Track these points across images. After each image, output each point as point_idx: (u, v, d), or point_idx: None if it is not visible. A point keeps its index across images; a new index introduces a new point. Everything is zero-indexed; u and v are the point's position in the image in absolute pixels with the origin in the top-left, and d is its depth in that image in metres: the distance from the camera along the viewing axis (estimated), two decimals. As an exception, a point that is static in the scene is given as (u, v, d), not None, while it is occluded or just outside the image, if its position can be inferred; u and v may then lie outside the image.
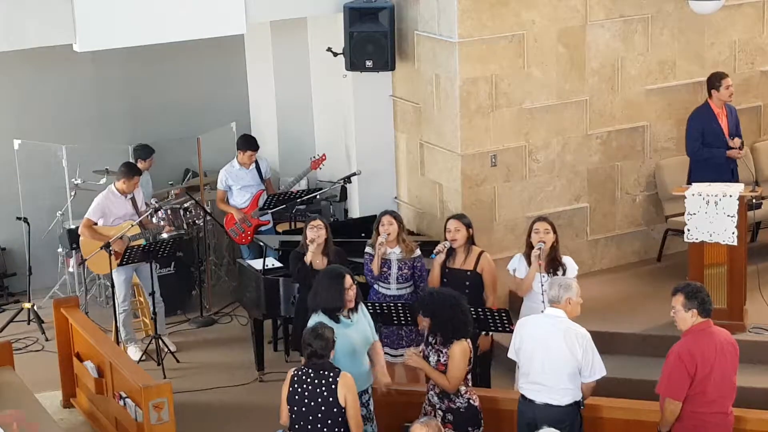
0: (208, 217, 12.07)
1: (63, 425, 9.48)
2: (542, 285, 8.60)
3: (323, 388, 7.19)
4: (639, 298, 10.56)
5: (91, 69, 12.56)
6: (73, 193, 12.01)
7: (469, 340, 7.65)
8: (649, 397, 7.85)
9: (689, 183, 10.26)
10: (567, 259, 8.89)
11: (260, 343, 10.48)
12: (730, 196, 9.39)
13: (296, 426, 7.30)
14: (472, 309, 8.00)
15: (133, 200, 10.89)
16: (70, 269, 12.09)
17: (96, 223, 10.75)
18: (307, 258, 9.17)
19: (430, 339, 7.73)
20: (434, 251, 9.00)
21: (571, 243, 10.95)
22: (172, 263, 11.75)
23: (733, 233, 9.37)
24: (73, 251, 11.77)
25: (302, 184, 12.19)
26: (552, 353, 7.47)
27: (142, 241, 10.74)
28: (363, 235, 10.82)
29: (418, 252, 9.34)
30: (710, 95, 10.74)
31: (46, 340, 11.31)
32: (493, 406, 8.09)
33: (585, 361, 7.46)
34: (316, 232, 9.19)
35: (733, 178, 10.53)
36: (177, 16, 10.50)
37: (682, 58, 11.25)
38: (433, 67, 10.75)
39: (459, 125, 10.51)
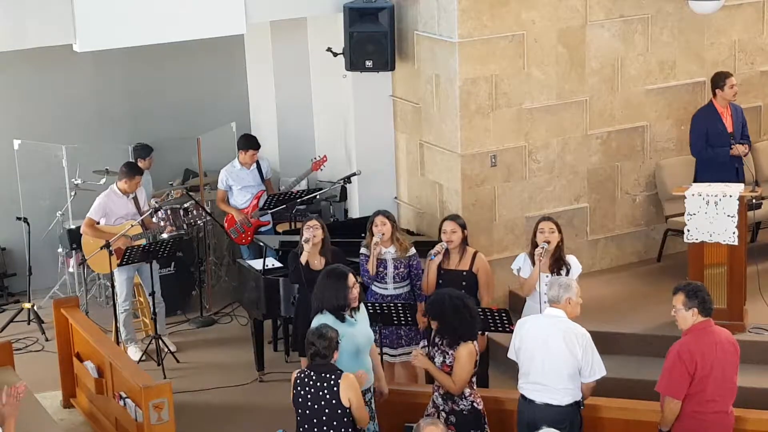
0: (208, 218, 12.07)
1: (63, 425, 9.49)
2: (545, 285, 8.61)
3: (325, 391, 7.18)
4: (639, 298, 10.56)
5: (91, 69, 12.56)
6: (73, 193, 12.01)
7: (476, 342, 7.65)
8: (649, 397, 7.85)
9: (696, 182, 10.28)
10: (571, 258, 8.89)
11: (260, 343, 10.48)
12: (730, 196, 9.38)
13: (302, 428, 7.30)
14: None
15: (136, 200, 10.90)
16: (70, 269, 12.08)
17: (98, 223, 10.76)
18: (303, 258, 9.16)
19: (437, 340, 7.72)
20: (432, 253, 8.98)
21: (571, 243, 10.93)
22: (172, 263, 11.75)
23: (734, 233, 9.37)
24: (73, 251, 11.77)
25: (302, 185, 12.19)
26: (552, 353, 7.47)
27: (143, 241, 10.75)
28: (363, 235, 10.82)
29: (413, 250, 9.34)
30: (714, 95, 10.75)
31: (46, 340, 11.31)
32: (494, 406, 8.09)
33: (585, 361, 7.46)
34: (312, 232, 9.19)
35: (738, 177, 10.51)
36: (177, 16, 10.50)
37: (682, 58, 11.25)
38: (433, 67, 10.75)
39: (459, 125, 10.51)
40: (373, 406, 7.93)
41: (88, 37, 10.30)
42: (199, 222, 12.00)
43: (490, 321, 8.61)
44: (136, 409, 8.53)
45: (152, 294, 10.71)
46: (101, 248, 10.39)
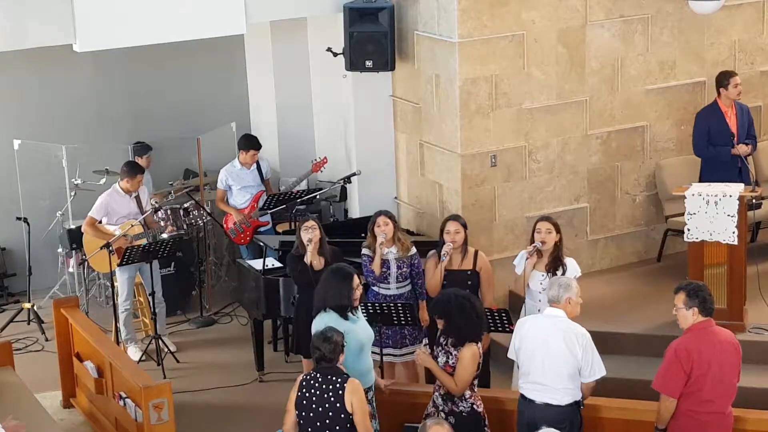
0: (208, 218, 12.06)
1: (63, 425, 9.48)
2: (541, 284, 8.64)
3: (330, 394, 7.17)
4: (639, 298, 10.56)
5: (91, 69, 12.55)
6: (73, 193, 12.00)
7: (480, 344, 7.65)
8: (649, 397, 7.84)
9: (701, 182, 10.29)
10: (569, 261, 8.89)
11: (260, 343, 10.48)
12: (730, 196, 9.39)
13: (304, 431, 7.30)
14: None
15: (138, 199, 10.91)
16: (70, 269, 12.08)
17: (100, 222, 10.77)
18: (308, 258, 9.16)
19: (441, 340, 7.71)
20: (442, 254, 8.96)
21: (571, 243, 10.95)
22: (172, 263, 11.75)
23: (734, 233, 9.37)
24: (73, 251, 11.78)
25: (302, 185, 12.19)
26: (552, 353, 7.47)
27: (143, 241, 10.75)
28: (363, 235, 10.82)
29: (413, 249, 9.35)
30: (719, 94, 10.75)
31: (46, 340, 11.31)
32: (494, 406, 8.09)
33: (585, 361, 7.47)
34: (311, 233, 9.19)
35: (741, 176, 10.50)
36: (177, 16, 10.50)
37: (682, 58, 11.25)
38: (433, 67, 10.75)
39: (459, 125, 10.51)
40: (374, 404, 7.94)
41: (88, 37, 10.30)
42: (199, 222, 12.00)
43: (490, 321, 8.61)
44: (136, 409, 8.53)
45: (152, 294, 10.71)
46: (101, 248, 10.39)
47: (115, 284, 10.90)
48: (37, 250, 12.11)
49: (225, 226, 11.67)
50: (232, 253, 12.63)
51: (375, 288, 9.30)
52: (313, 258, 9.19)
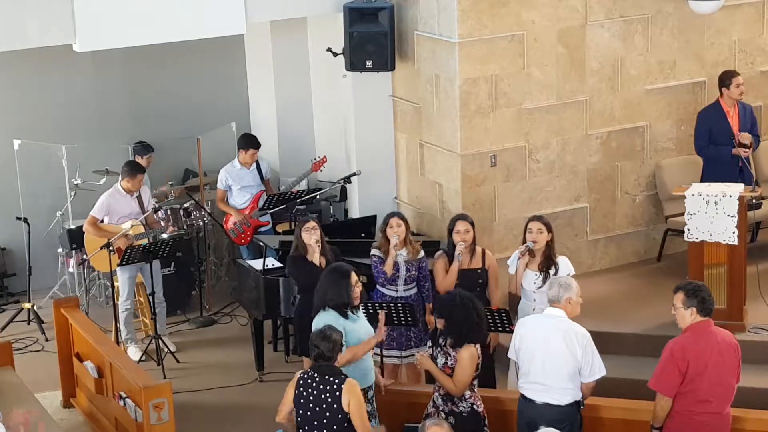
0: (208, 217, 12.06)
1: (63, 425, 9.48)
2: (534, 283, 8.68)
3: (327, 395, 7.17)
4: (639, 298, 10.56)
5: (91, 69, 12.55)
6: (73, 193, 12.01)
7: (478, 345, 7.65)
8: (649, 397, 7.82)
9: (702, 181, 10.29)
10: (562, 259, 8.92)
11: (260, 343, 10.48)
12: (730, 196, 9.39)
13: (302, 429, 7.29)
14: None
15: (140, 199, 10.91)
16: (70, 269, 12.08)
17: (102, 221, 10.78)
18: (316, 259, 9.17)
19: (440, 341, 7.72)
20: (456, 254, 8.95)
21: (571, 243, 10.96)
22: (172, 263, 11.75)
23: (734, 233, 9.37)
24: (73, 251, 11.78)
25: (302, 185, 12.19)
26: (552, 353, 7.48)
27: (144, 241, 10.75)
28: (363, 235, 10.83)
29: (422, 253, 9.35)
30: (721, 93, 10.75)
31: (46, 340, 11.31)
32: (494, 406, 8.09)
33: (585, 361, 7.47)
34: (316, 234, 9.19)
35: (741, 175, 10.50)
36: (177, 16, 10.50)
37: (682, 58, 11.25)
38: (433, 67, 10.75)
39: (459, 125, 10.51)
40: (374, 403, 7.94)
41: (88, 37, 10.30)
42: (199, 222, 12.00)
43: (490, 321, 8.61)
44: (136, 409, 8.53)
45: (152, 294, 10.71)
46: (102, 248, 10.39)
47: (116, 284, 10.91)
48: (37, 250, 12.11)
49: (225, 226, 11.67)
50: (232, 253, 12.63)
51: (382, 289, 9.29)
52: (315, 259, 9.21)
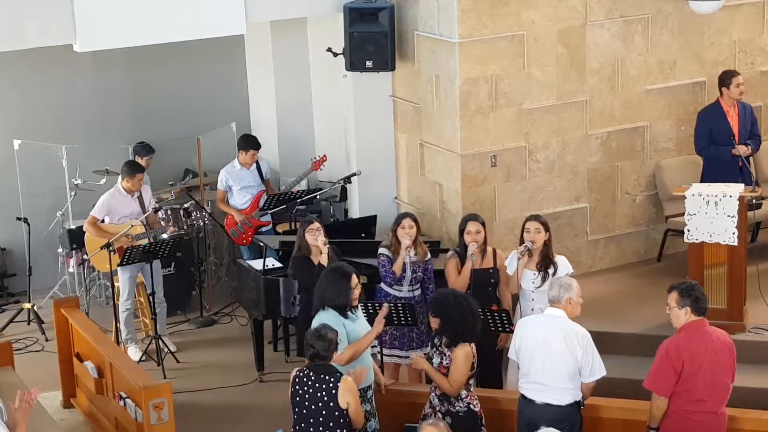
0: (208, 218, 12.06)
1: (63, 425, 9.48)
2: (533, 282, 8.68)
3: (323, 393, 7.18)
4: (639, 298, 10.55)
5: (91, 69, 12.55)
6: (73, 193, 12.01)
7: (473, 345, 7.65)
8: (648, 397, 7.84)
9: (703, 181, 10.29)
10: (560, 259, 8.92)
11: (260, 343, 10.48)
12: (730, 196, 9.39)
13: (298, 427, 7.31)
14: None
15: (140, 199, 10.91)
16: (70, 269, 12.08)
17: (103, 221, 10.78)
18: (324, 260, 9.17)
19: (435, 341, 7.73)
20: (470, 255, 8.94)
21: (571, 243, 10.96)
22: (172, 263, 11.75)
23: (734, 233, 9.37)
24: (73, 251, 11.78)
25: (302, 185, 12.19)
26: (552, 353, 7.48)
27: (145, 241, 10.75)
28: (363, 235, 10.83)
29: (429, 255, 9.36)
30: (721, 93, 10.75)
31: (46, 340, 11.31)
32: (493, 406, 8.09)
33: (585, 361, 7.47)
34: (321, 235, 9.21)
35: (741, 175, 10.50)
36: (177, 16, 10.51)
37: (682, 58, 11.25)
38: (433, 67, 10.75)
39: (459, 125, 10.51)
40: (374, 403, 7.94)
41: (88, 37, 10.30)
42: (199, 222, 12.00)
43: (490, 321, 8.62)
44: (136, 409, 8.53)
45: (152, 294, 10.71)
46: (102, 248, 10.39)
47: (116, 284, 10.91)
48: (37, 250, 12.11)
49: (226, 226, 11.67)
50: (232, 253, 12.64)
51: (387, 288, 9.27)
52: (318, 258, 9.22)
